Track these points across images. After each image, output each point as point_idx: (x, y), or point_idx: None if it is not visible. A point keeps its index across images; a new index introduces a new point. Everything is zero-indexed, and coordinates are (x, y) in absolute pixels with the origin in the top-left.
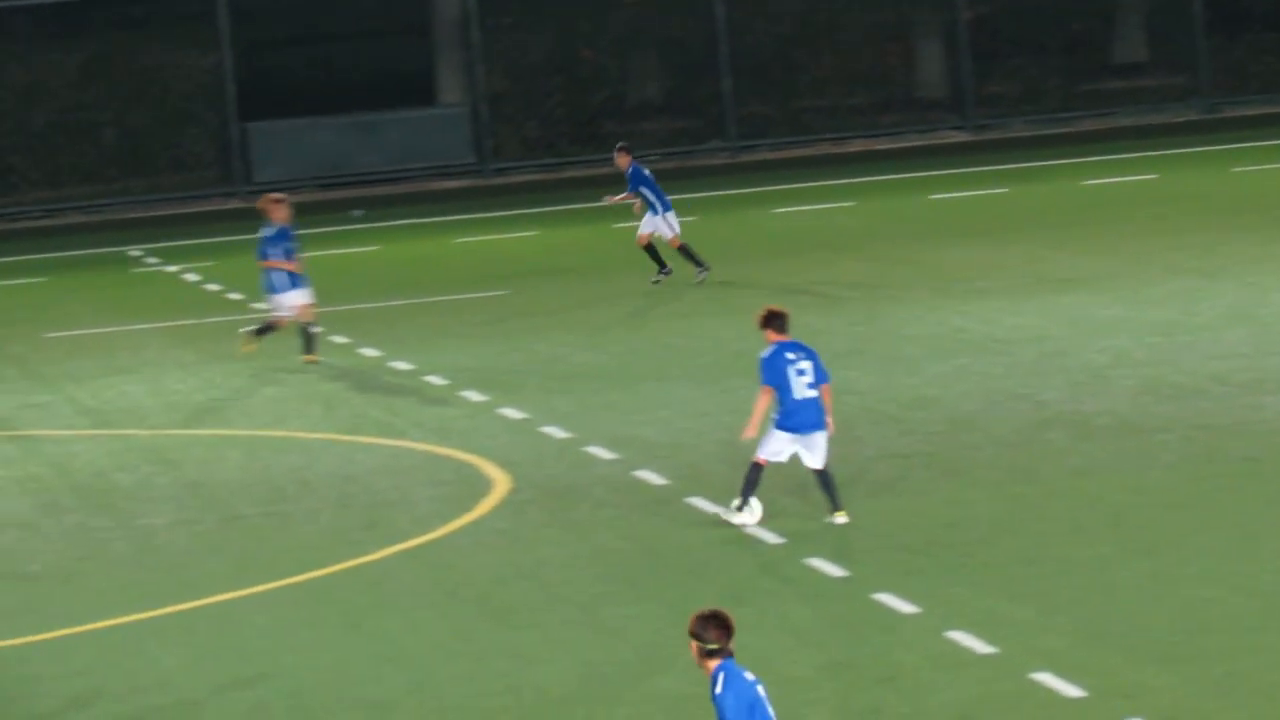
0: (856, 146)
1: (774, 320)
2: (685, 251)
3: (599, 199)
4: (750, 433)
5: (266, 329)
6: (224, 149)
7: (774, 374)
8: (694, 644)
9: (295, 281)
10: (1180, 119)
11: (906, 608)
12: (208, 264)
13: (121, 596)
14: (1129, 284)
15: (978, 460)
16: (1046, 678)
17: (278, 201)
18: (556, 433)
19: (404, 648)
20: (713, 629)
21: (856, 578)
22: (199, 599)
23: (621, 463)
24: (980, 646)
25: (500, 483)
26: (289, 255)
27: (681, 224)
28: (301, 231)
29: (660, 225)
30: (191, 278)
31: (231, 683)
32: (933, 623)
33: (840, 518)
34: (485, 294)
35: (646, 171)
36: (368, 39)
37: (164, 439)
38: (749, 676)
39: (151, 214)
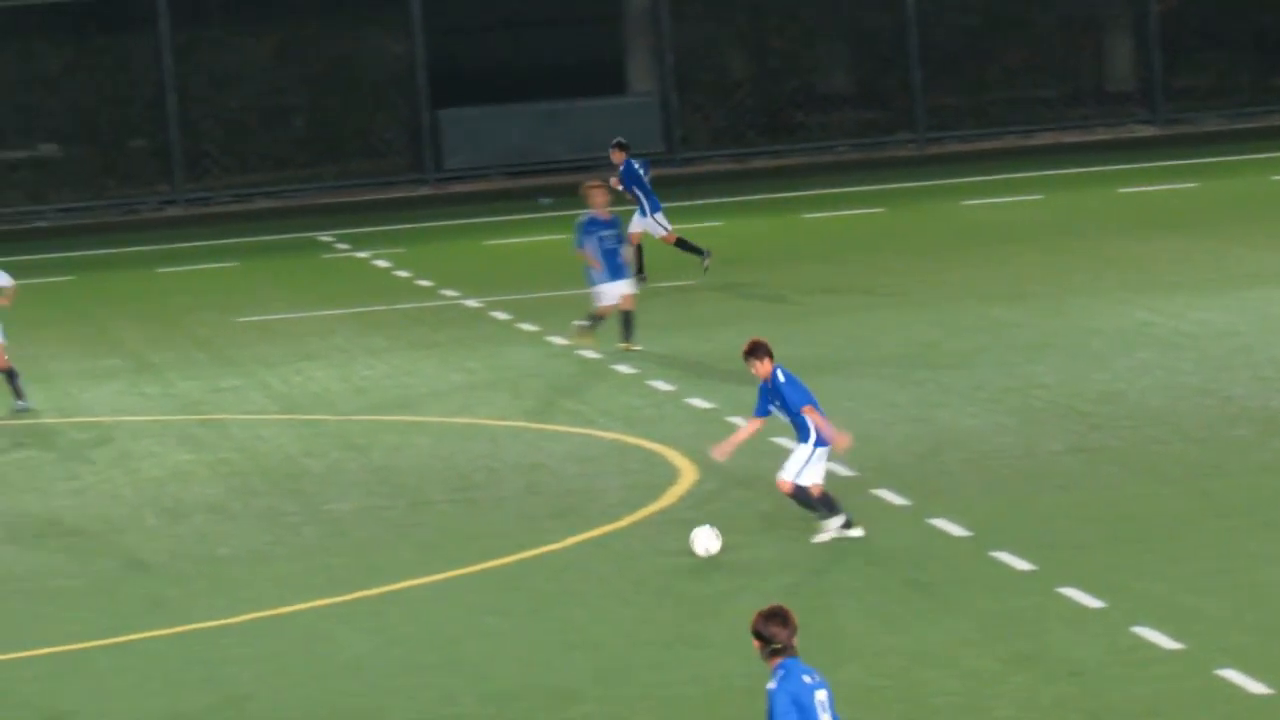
0: (1045, 139)
1: (763, 349)
2: (682, 244)
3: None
4: (725, 453)
5: (595, 319)
6: (415, 136)
7: (806, 394)
8: (758, 643)
9: (616, 271)
10: None
11: (1092, 602)
12: (398, 250)
13: (310, 581)
14: None
15: (1165, 455)
16: (1233, 674)
17: (596, 187)
18: (743, 423)
19: (590, 636)
20: (776, 627)
21: (1043, 571)
22: (387, 585)
23: None
24: (1166, 642)
25: (687, 472)
26: (604, 244)
27: (817, 218)
28: (490, 220)
29: (651, 225)
30: (381, 264)
31: (418, 668)
32: (1119, 617)
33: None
34: (673, 283)
35: (640, 170)
36: (558, 27)
37: (353, 424)
38: (808, 679)
39: (342, 200)
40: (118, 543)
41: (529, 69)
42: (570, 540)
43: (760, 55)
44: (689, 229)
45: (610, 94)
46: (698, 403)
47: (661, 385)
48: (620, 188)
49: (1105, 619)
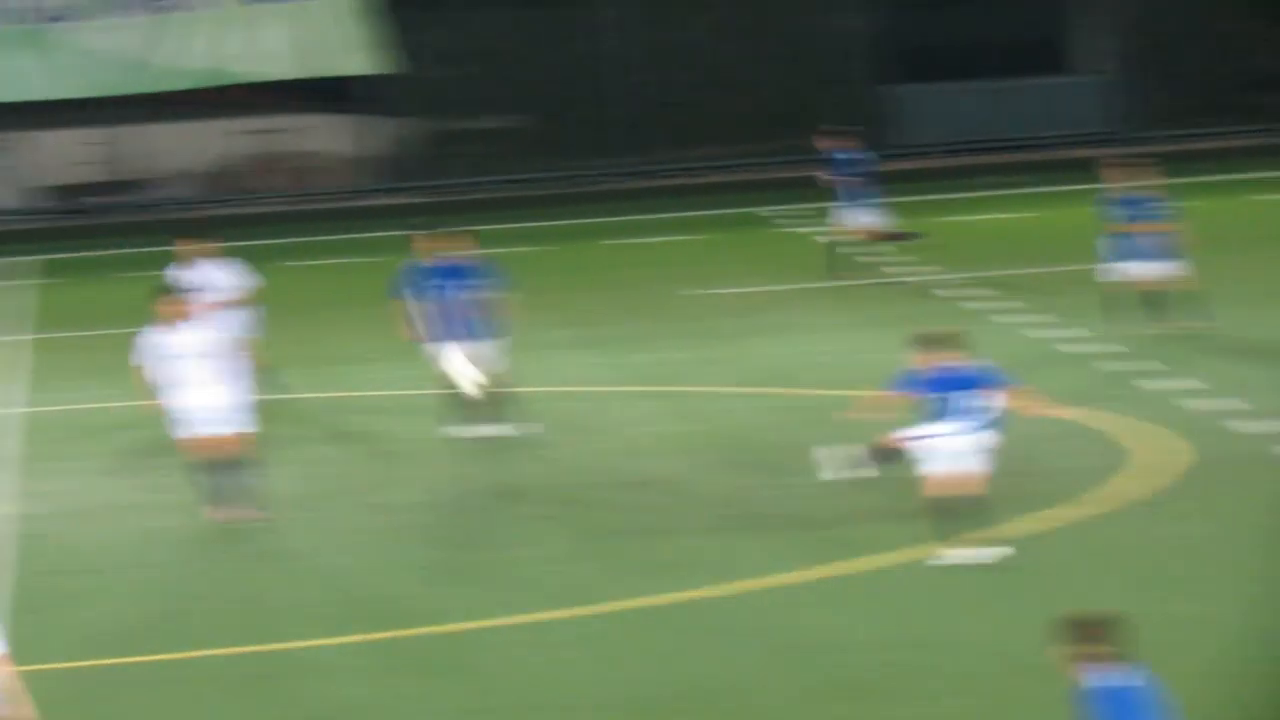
0: None
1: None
2: (832, 252)
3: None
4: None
5: (1158, 300)
6: (866, 111)
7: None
8: (1075, 647)
9: (1136, 251)
10: None
11: None
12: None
13: (774, 555)
14: None
15: None
16: None
17: (1117, 165)
18: (1231, 404)
19: (1051, 615)
20: (1093, 632)
21: None
22: (851, 561)
23: None
24: None
25: (1180, 455)
26: (1133, 223)
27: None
28: (942, 197)
29: (844, 215)
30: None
31: (889, 645)
32: None
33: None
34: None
35: (844, 159)
36: (1008, 5)
37: (810, 399)
38: (1137, 680)
39: (788, 175)
40: (578, 514)
41: (978, 46)
42: (1027, 521)
43: (1205, 36)
44: None
45: (1054, 73)
46: (1182, 384)
47: (1146, 365)
48: (827, 177)
49: None
